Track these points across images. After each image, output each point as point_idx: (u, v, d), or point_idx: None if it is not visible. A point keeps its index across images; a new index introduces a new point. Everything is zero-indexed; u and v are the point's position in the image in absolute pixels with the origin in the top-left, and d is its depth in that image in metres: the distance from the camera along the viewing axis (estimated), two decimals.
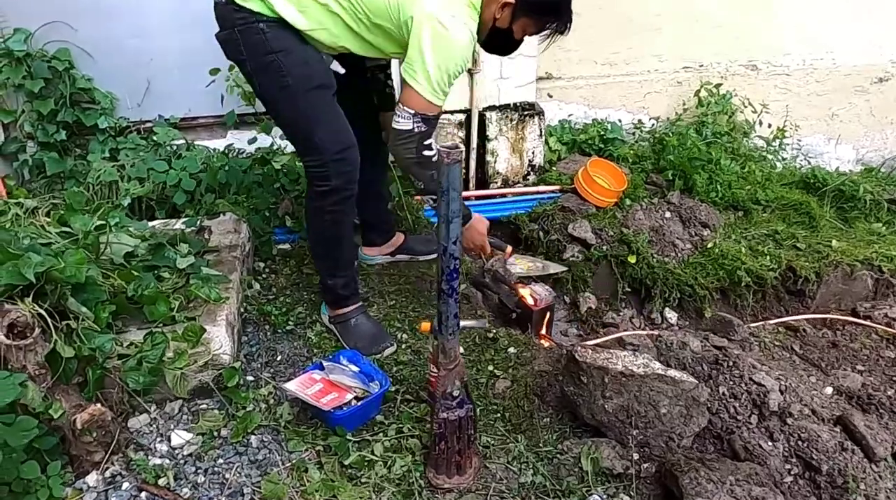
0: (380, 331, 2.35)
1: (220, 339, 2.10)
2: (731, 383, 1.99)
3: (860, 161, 4.35)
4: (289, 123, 2.15)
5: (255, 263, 2.81)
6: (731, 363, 2.03)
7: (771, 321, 2.62)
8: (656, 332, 2.37)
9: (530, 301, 2.58)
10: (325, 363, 2.10)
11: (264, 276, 2.74)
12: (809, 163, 4.05)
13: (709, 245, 2.88)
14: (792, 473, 1.81)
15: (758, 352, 2.30)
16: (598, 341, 2.35)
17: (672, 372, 1.93)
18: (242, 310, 2.44)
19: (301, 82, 2.00)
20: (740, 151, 3.64)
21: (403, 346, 2.35)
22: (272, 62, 1.97)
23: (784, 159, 3.90)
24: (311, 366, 2.12)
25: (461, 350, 2.32)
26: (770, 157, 3.83)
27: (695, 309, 2.86)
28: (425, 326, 1.98)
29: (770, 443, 1.86)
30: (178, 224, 2.77)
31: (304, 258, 2.82)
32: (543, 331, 2.63)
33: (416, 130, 2.00)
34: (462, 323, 1.87)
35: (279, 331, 2.40)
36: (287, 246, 2.94)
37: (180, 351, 2.02)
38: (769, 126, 3.79)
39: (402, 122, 2.01)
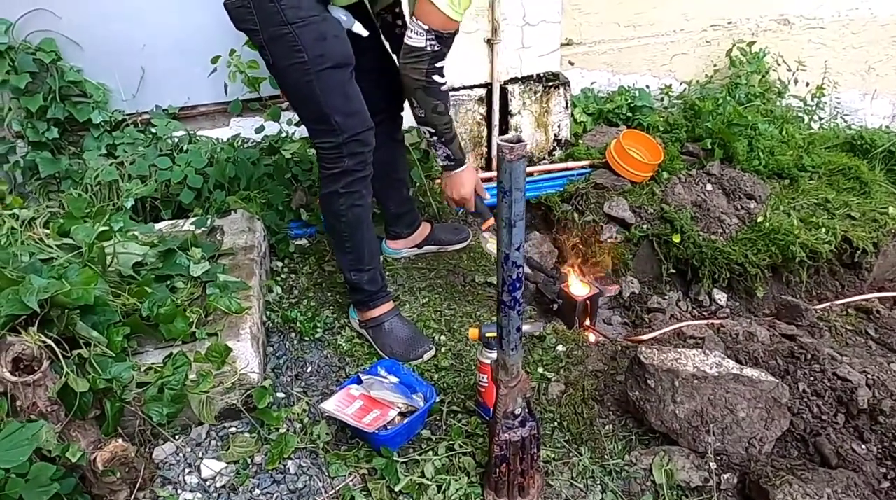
0: (417, 334, 2.17)
1: (245, 355, 1.92)
2: (812, 379, 1.82)
3: None
4: (301, 102, 1.98)
5: (272, 262, 2.61)
6: (808, 356, 1.85)
7: (838, 302, 2.43)
8: (718, 321, 2.18)
9: (574, 291, 2.40)
10: (363, 377, 1.92)
11: (283, 276, 2.55)
12: (846, 121, 3.82)
13: (758, 219, 2.67)
14: (888, 478, 1.64)
15: (829, 338, 2.12)
16: (654, 334, 2.17)
17: (748, 371, 1.75)
18: (265, 318, 2.25)
19: (316, 60, 1.82)
20: (776, 113, 3.42)
21: (443, 349, 2.17)
22: (287, 34, 1.79)
23: (821, 119, 3.67)
24: (347, 380, 1.94)
25: None
26: (807, 118, 3.61)
27: (745, 289, 2.67)
28: (473, 333, 1.80)
29: (862, 446, 1.69)
30: (187, 225, 2.57)
31: (325, 254, 2.63)
32: (587, 322, 2.45)
33: (428, 48, 1.84)
34: None
35: (306, 339, 2.22)
36: (304, 242, 2.75)
37: (204, 373, 1.83)
38: (807, 85, 3.55)
39: (415, 38, 1.85)
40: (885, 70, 3.94)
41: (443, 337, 2.22)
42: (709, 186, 2.88)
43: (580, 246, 2.79)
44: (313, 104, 1.91)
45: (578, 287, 2.41)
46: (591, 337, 2.44)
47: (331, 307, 2.36)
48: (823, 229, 2.62)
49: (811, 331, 2.14)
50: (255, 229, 2.52)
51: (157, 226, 2.56)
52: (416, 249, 2.63)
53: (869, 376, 1.79)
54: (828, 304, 2.41)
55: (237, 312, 2.03)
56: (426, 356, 2.11)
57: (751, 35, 3.63)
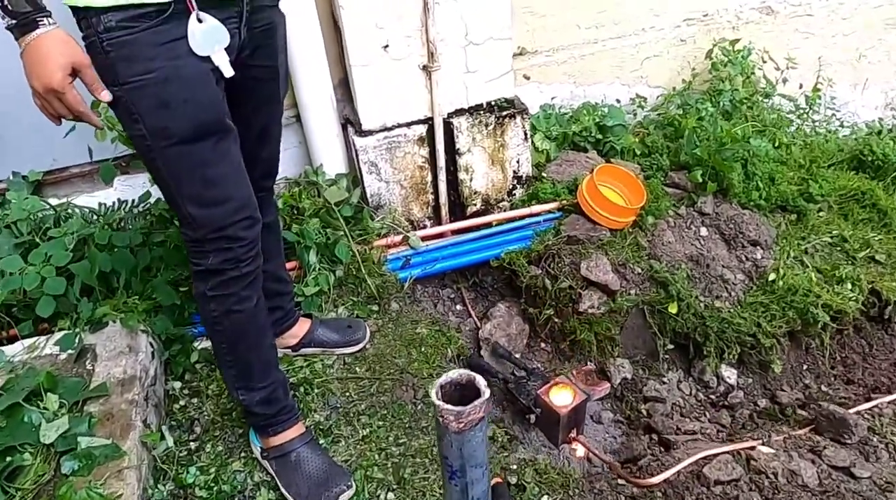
0: (332, 468, 1.67)
1: None
2: None
3: (889, 106, 3.70)
4: (157, 183, 1.47)
5: (167, 384, 2.03)
6: None
7: (886, 399, 1.97)
8: (745, 446, 1.70)
9: (557, 401, 1.89)
10: None
11: (182, 403, 1.97)
12: (838, 120, 3.37)
13: (770, 277, 2.19)
14: None
15: (888, 461, 1.67)
16: (667, 474, 1.67)
17: None
18: (149, 491, 1.68)
19: (157, 134, 1.32)
20: (765, 120, 2.94)
21: None
22: (121, 98, 1.30)
23: (815, 122, 3.21)
24: None
25: None
26: (798, 120, 3.14)
27: (758, 363, 2.20)
28: None
29: None
30: (49, 347, 1.98)
31: None
32: (573, 433, 1.96)
33: None
34: None
35: None
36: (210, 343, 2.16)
37: None
38: (800, 87, 3.07)
39: None
40: (876, 57, 3.48)
41: (390, 495, 1.68)
42: (703, 231, 2.39)
43: (555, 320, 2.27)
44: (163, 187, 1.43)
45: (561, 395, 1.90)
46: (580, 451, 1.95)
47: (242, 454, 1.80)
48: (849, 284, 2.15)
49: (863, 452, 1.67)
50: (138, 349, 1.93)
51: (9, 350, 1.96)
52: (290, 351, 2.07)
53: None
54: (874, 403, 1.95)
55: None
56: (342, 499, 1.61)
57: (730, 29, 3.12)
